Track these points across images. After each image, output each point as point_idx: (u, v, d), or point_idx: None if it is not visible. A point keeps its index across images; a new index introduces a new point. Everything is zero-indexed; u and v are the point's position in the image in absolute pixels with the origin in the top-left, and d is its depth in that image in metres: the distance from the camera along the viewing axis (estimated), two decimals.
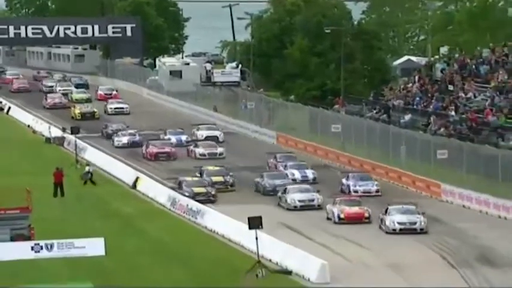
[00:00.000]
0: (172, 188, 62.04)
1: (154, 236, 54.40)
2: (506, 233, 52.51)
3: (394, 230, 50.80)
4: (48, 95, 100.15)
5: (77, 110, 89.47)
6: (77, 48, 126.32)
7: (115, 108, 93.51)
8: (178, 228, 57.47)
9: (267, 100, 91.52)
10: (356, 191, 59.99)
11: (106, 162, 75.19)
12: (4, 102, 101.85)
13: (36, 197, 53.31)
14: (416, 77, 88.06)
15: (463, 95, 79.37)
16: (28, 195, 51.05)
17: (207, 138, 78.18)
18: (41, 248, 49.15)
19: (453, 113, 76.69)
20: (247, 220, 44.58)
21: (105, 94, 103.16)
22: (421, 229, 50.91)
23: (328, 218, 54.97)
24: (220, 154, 72.63)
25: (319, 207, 56.40)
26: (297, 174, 65.67)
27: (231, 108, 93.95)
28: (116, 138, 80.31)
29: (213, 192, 59.56)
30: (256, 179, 63.76)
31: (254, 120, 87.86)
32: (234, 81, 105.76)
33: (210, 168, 63.99)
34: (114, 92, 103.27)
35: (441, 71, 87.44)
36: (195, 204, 58.58)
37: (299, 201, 56.82)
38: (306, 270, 43.93)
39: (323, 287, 42.71)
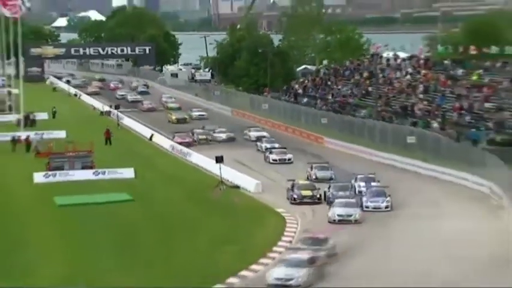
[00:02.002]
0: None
1: (161, 167, 70.14)
2: (356, 162, 68.40)
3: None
4: (144, 101, 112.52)
5: (174, 116, 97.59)
6: (117, 60, 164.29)
7: (199, 115, 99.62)
8: (175, 162, 73.68)
9: (226, 90, 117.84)
10: (367, 207, 52.76)
11: (134, 125, 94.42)
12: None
13: (95, 145, 71.47)
14: (310, 78, 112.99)
15: (336, 87, 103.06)
16: (91, 144, 69.37)
17: (258, 137, 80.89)
18: (98, 174, 64.58)
19: (330, 97, 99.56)
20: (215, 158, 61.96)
21: (165, 101, 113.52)
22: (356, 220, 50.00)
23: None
24: (289, 159, 71.14)
25: (356, 222, 49.69)
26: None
27: (205, 95, 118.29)
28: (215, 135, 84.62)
29: (318, 196, 55.44)
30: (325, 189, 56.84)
31: (219, 101, 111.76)
32: (207, 79, 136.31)
33: (301, 182, 58.37)
34: (173, 100, 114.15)
35: (324, 74, 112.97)
36: (184, 149, 76.01)
37: (338, 215, 50.00)
38: (248, 186, 59.96)
39: (257, 195, 58.00)
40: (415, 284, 36.45)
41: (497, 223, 48.15)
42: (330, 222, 49.73)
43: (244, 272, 39.37)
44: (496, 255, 41.21)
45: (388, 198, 53.14)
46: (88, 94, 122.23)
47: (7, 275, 40.30)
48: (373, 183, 57.45)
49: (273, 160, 70.93)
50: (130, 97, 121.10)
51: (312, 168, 64.01)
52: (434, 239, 44.95)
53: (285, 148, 73.31)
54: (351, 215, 49.72)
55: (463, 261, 39.91)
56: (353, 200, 52.22)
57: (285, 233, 47.66)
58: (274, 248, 44.60)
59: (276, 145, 75.38)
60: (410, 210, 52.67)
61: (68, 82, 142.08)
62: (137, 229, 48.64)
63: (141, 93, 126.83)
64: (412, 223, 49.30)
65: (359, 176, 59.45)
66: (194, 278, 38.60)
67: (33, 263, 42.11)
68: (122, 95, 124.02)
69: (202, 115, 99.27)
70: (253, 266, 40.62)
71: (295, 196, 55.31)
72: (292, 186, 56.32)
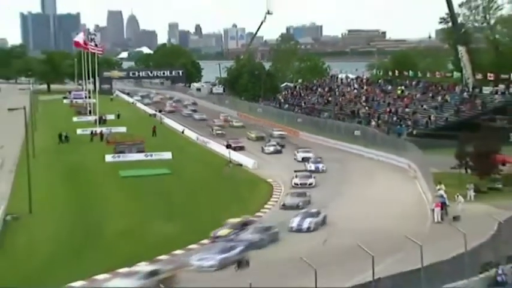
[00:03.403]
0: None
1: (191, 152, 69.21)
2: (320, 148, 66.69)
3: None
4: (215, 120, 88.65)
5: (253, 134, 75.16)
6: (161, 80, 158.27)
7: (279, 135, 75.13)
8: (199, 148, 72.35)
9: (233, 99, 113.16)
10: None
11: (171, 123, 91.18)
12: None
13: (145, 137, 72.23)
14: (289, 91, 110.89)
15: (307, 97, 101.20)
16: (143, 137, 70.20)
17: (303, 158, 60.12)
18: (147, 156, 63.85)
19: (303, 104, 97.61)
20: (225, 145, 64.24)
21: (224, 119, 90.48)
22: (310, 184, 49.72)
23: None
24: (310, 184, 50.18)
25: (311, 186, 48.83)
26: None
27: (220, 102, 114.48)
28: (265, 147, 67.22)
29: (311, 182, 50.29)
30: None
31: (229, 106, 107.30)
32: (221, 92, 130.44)
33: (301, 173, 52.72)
34: (229, 117, 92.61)
35: (298, 88, 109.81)
36: (205, 139, 74.33)
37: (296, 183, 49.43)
38: (248, 164, 59.60)
39: (254, 170, 57.68)
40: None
41: (412, 187, 48.40)
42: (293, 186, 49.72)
43: None
44: (413, 209, 41.36)
45: (323, 165, 56.04)
46: (166, 112, 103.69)
47: (86, 223, 40.52)
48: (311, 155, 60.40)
49: (295, 184, 50.49)
50: (186, 112, 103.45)
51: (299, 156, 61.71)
52: (372, 198, 44.91)
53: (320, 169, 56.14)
54: (306, 183, 49.91)
55: (391, 214, 39.85)
56: (309, 173, 52.10)
57: (273, 194, 47.77)
58: (268, 203, 44.93)
59: (320, 166, 56.11)
60: (355, 179, 52.56)
61: (142, 97, 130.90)
62: (174, 192, 48.70)
63: (193, 109, 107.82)
64: (359, 186, 49.46)
65: (300, 149, 63.44)
66: (214, 223, 38.30)
67: (104, 215, 42.33)
68: (188, 114, 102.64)
69: (283, 135, 75.49)
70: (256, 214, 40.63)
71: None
72: (296, 175, 51.93)
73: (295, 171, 53.23)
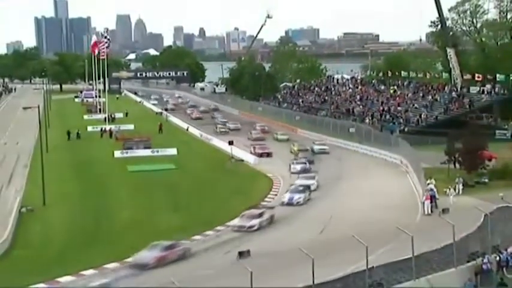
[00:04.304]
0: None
1: (194, 147, 69.41)
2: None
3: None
4: (253, 132, 74.67)
5: (296, 147, 63.11)
6: (166, 80, 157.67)
7: (320, 149, 62.90)
8: (202, 144, 71.72)
9: (235, 98, 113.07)
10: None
11: (176, 121, 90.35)
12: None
13: (151, 134, 72.40)
14: (288, 90, 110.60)
15: (305, 96, 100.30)
16: (149, 134, 69.58)
17: (319, 150, 61.11)
18: (154, 152, 63.68)
19: (301, 103, 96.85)
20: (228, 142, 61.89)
21: (262, 130, 76.67)
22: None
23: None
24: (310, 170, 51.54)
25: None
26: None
27: (222, 101, 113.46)
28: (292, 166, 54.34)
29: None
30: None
31: (231, 105, 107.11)
32: (223, 92, 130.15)
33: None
34: (266, 128, 78.83)
35: (297, 88, 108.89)
36: (208, 136, 73.74)
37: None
38: (249, 159, 59.09)
39: (255, 165, 57.05)
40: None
41: (404, 181, 48.33)
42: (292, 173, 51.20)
43: None
44: (404, 202, 41.35)
45: (314, 181, 47.14)
46: (192, 119, 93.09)
47: (97, 215, 40.62)
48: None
49: (297, 171, 51.03)
50: (221, 121, 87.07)
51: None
52: (365, 191, 44.98)
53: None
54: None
55: (384, 206, 39.77)
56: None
57: (273, 188, 47.60)
58: (267, 196, 44.71)
59: (311, 182, 47.10)
60: (350, 173, 52.63)
61: (159, 101, 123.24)
62: (179, 186, 48.68)
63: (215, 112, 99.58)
64: (353, 179, 49.53)
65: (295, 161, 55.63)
66: (217, 216, 38.46)
67: (113, 207, 42.45)
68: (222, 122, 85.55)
69: (324, 149, 63.23)
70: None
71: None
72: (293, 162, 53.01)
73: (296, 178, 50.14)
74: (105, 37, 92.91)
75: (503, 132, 66.25)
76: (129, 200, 44.46)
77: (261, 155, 59.75)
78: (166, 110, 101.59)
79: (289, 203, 41.32)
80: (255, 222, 36.09)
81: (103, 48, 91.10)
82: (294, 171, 51.87)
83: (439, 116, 71.63)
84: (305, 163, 54.00)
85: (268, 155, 60.87)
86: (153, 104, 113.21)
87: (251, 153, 60.46)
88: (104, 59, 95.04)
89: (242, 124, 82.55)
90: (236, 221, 36.72)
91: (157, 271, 28.71)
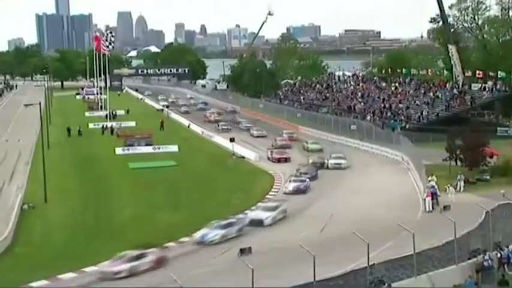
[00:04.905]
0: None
1: (195, 144, 69.17)
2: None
3: None
4: (278, 138, 66.71)
5: (311, 160, 55.58)
6: (167, 77, 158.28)
7: (334, 164, 54.03)
8: (204, 142, 71.68)
9: (236, 95, 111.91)
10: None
11: (178, 118, 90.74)
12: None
13: (154, 130, 71.38)
14: (289, 87, 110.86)
15: (306, 94, 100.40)
16: (151, 131, 68.69)
17: (334, 165, 53.41)
18: (155, 148, 63.67)
19: (302, 100, 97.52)
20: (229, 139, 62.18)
21: (289, 137, 68.19)
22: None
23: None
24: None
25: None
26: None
27: (224, 98, 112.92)
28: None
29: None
30: None
31: (232, 103, 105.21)
32: (224, 89, 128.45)
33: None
34: (295, 135, 70.07)
35: (298, 85, 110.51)
36: (209, 133, 73.79)
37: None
38: (251, 156, 58.93)
39: (256, 162, 57.12)
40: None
41: (405, 178, 48.30)
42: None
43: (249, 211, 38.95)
44: (406, 199, 41.30)
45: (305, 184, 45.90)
46: (209, 122, 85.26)
47: (98, 212, 40.63)
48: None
49: (289, 191, 44.87)
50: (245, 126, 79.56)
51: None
52: (367, 188, 44.99)
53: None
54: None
55: (385, 203, 39.80)
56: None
57: (274, 185, 47.55)
58: (270, 192, 44.90)
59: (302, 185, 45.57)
60: (353, 169, 52.74)
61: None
62: (180, 183, 48.56)
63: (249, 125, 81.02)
64: (355, 177, 49.48)
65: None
66: (217, 213, 38.13)
67: (115, 204, 42.44)
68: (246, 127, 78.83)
69: (339, 164, 54.13)
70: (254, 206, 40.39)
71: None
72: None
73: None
74: (108, 35, 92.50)
75: (505, 129, 66.26)
76: (130, 197, 44.45)
77: (278, 160, 55.72)
78: (167, 107, 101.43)
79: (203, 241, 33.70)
80: (269, 215, 36.70)
81: (107, 46, 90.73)
82: (286, 192, 44.57)
83: (440, 113, 71.61)
84: (303, 181, 46.07)
85: (286, 160, 56.49)
86: (162, 106, 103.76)
87: (268, 159, 57.25)
88: (105, 55, 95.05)
89: (269, 131, 73.13)
90: (252, 214, 37.57)
91: (156, 270, 28.59)
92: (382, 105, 79.55)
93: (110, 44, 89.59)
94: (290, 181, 46.19)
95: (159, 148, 63.40)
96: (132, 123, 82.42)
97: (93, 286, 26.77)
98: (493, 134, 57.14)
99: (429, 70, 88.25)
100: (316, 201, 42.15)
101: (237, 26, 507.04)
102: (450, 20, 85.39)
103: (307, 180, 46.27)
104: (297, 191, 44.36)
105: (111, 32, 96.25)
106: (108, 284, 26.56)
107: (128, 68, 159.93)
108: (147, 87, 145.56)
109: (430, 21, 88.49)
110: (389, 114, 76.03)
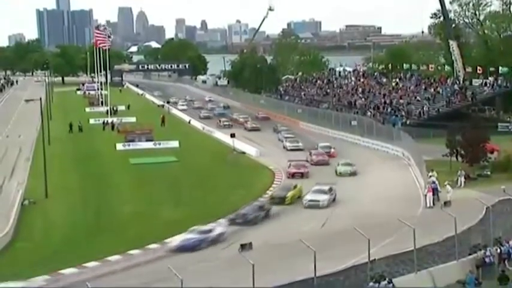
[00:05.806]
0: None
1: (196, 140, 68.99)
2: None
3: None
4: (313, 151, 56.17)
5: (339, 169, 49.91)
6: (168, 73, 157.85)
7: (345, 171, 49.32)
8: (204, 137, 72.03)
9: (236, 91, 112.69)
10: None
11: (178, 113, 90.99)
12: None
13: (154, 126, 71.39)
14: (290, 83, 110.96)
15: (306, 89, 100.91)
16: (152, 127, 68.67)
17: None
18: (156, 144, 63.44)
19: (303, 96, 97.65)
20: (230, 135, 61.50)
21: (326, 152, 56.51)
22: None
23: None
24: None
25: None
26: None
27: (225, 94, 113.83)
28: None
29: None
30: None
31: (233, 98, 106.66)
32: (225, 84, 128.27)
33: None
34: (333, 150, 57.91)
35: (299, 81, 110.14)
36: (210, 128, 73.76)
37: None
38: (251, 152, 58.94)
39: (257, 158, 57.27)
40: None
41: (406, 174, 48.23)
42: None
43: None
44: (406, 195, 41.24)
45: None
46: (248, 130, 74.41)
47: (99, 207, 40.73)
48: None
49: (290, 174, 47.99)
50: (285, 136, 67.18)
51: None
52: (367, 183, 45.01)
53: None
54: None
55: (386, 199, 39.74)
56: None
57: (275, 181, 47.45)
58: (271, 187, 44.82)
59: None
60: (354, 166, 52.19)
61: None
62: (180, 179, 48.54)
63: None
64: (354, 174, 49.24)
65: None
66: (218, 209, 38.28)
67: (116, 200, 42.51)
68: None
69: (347, 171, 49.51)
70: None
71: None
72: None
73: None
74: (106, 29, 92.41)
75: (506, 125, 66.30)
76: (131, 193, 44.44)
77: (293, 175, 48.49)
78: (168, 102, 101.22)
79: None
80: (325, 197, 38.77)
81: (102, 41, 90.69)
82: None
83: (441, 108, 71.62)
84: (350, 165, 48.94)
85: (303, 175, 48.59)
86: (182, 111, 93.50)
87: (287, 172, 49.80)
88: (106, 51, 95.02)
89: (305, 141, 63.31)
90: (308, 196, 39.38)
91: (154, 265, 28.65)
92: (383, 100, 79.56)
93: (108, 37, 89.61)
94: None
95: (159, 144, 63.38)
96: (133, 119, 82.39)
97: (92, 286, 26.56)
98: (493, 129, 57.15)
99: (430, 66, 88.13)
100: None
101: (238, 21, 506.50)
102: (451, 15, 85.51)
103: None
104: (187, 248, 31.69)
105: (105, 28, 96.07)
106: (108, 283, 26.55)
107: (128, 63, 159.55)
108: (155, 87, 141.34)
109: (431, 17, 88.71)
110: (390, 109, 76.02)
